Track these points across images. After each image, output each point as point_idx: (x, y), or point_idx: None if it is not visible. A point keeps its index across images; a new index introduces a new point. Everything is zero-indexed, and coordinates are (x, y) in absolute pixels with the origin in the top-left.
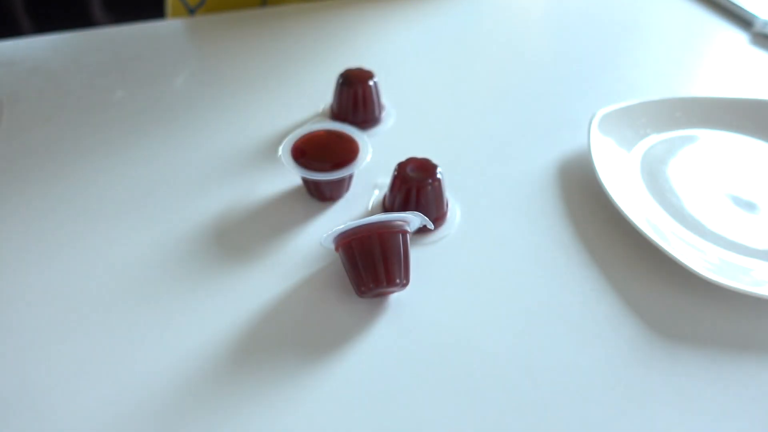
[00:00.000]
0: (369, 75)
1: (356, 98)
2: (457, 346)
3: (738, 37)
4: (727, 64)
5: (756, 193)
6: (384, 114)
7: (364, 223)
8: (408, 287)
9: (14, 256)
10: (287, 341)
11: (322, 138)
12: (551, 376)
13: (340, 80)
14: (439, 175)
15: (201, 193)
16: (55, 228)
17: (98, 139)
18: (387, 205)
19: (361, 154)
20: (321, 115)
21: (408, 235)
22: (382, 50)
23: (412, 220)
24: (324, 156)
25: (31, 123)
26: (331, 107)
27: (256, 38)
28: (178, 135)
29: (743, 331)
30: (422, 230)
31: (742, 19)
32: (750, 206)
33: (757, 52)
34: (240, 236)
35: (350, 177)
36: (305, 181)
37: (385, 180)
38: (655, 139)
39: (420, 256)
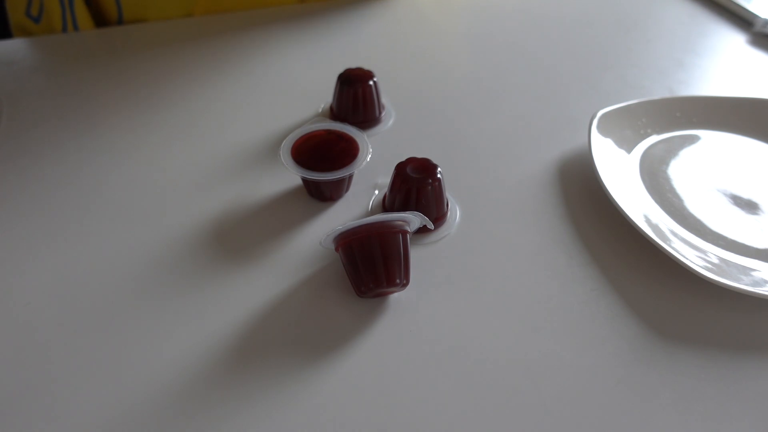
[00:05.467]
0: (369, 75)
1: (356, 98)
2: (457, 345)
3: (738, 37)
4: (727, 64)
5: (756, 193)
6: (384, 114)
7: (364, 223)
8: (408, 287)
9: (14, 255)
10: (287, 341)
11: (322, 138)
12: (551, 376)
13: (340, 80)
14: (439, 175)
15: (201, 193)
16: (54, 228)
17: (98, 139)
18: (387, 205)
19: (361, 154)
20: (321, 115)
21: (408, 235)
22: (382, 50)
23: (412, 220)
24: (324, 156)
25: (31, 123)
26: (331, 107)
27: (256, 38)
28: (178, 135)
29: (743, 331)
30: (422, 230)
31: (742, 19)
32: (750, 206)
33: (756, 52)
34: (240, 236)
35: (350, 177)
36: (305, 181)
37: (385, 180)
38: (655, 139)
39: (420, 256)
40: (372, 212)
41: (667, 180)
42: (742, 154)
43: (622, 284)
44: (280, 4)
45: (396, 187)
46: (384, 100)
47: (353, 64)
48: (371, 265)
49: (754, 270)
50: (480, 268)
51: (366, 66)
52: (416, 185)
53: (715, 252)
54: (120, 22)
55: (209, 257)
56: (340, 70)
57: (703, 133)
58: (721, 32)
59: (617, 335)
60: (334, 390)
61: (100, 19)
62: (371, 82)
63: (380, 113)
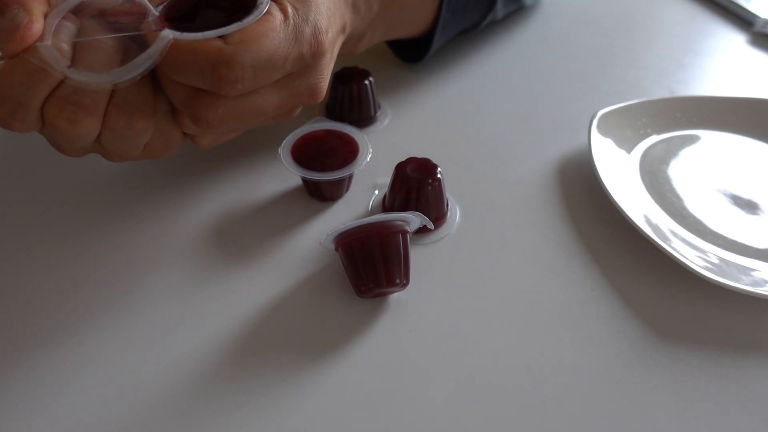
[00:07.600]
0: (365, 74)
1: (351, 96)
2: (457, 345)
3: (738, 37)
4: (727, 64)
5: (756, 193)
6: (380, 113)
7: (364, 223)
8: (408, 287)
9: (13, 255)
10: (287, 341)
11: (322, 138)
12: (551, 376)
13: (335, 78)
14: (439, 175)
15: (200, 192)
16: (52, 228)
17: None
18: (387, 205)
19: (361, 154)
20: (320, 115)
21: (408, 235)
22: (382, 50)
23: (412, 220)
24: (324, 156)
25: None
26: (327, 105)
27: None
28: None
29: (743, 331)
30: (422, 230)
31: (742, 19)
32: (750, 206)
33: (756, 52)
34: (240, 236)
35: (350, 177)
36: (305, 181)
37: (385, 180)
38: (655, 139)
39: (420, 256)
40: (372, 212)
41: (667, 180)
42: (742, 154)
43: (622, 284)
44: None
45: (396, 187)
46: (381, 99)
47: (351, 63)
48: (371, 265)
49: (754, 270)
50: (480, 267)
51: (363, 65)
52: (416, 185)
53: (715, 252)
54: None
55: (209, 257)
56: (337, 69)
57: (703, 133)
58: (721, 32)
59: (617, 335)
60: (334, 390)
61: None
62: (366, 81)
63: (376, 112)
